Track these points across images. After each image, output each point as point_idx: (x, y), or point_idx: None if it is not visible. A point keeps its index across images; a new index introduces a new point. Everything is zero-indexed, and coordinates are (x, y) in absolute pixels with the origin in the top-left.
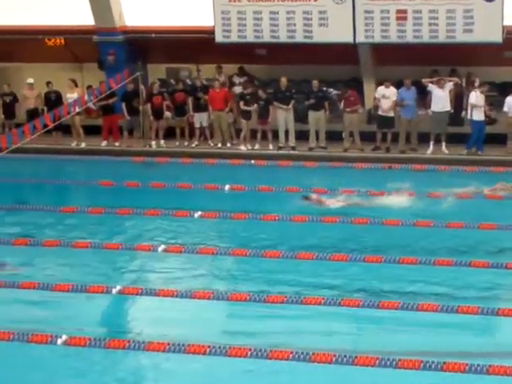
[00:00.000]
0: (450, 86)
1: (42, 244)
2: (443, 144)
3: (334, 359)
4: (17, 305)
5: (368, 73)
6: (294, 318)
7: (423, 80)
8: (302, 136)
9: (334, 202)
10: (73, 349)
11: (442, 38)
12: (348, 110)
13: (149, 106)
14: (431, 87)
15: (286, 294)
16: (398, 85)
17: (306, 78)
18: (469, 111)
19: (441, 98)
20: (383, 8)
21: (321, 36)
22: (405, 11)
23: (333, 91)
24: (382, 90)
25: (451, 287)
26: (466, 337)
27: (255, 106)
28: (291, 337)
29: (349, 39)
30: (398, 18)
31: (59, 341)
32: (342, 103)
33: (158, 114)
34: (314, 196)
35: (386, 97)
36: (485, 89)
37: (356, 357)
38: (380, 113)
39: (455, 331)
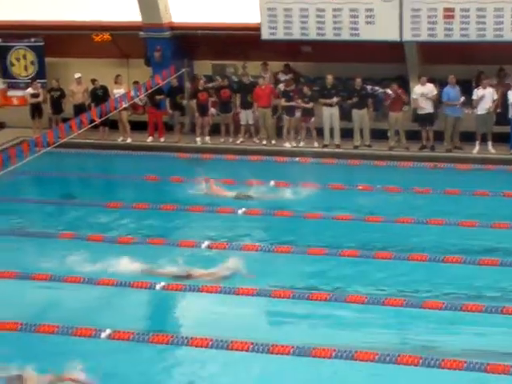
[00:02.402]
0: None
1: (87, 238)
2: (489, 143)
3: (376, 358)
4: (62, 298)
5: (414, 71)
6: (336, 316)
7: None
8: (346, 134)
9: (228, 193)
10: (116, 343)
11: (489, 36)
12: (393, 108)
13: (194, 102)
14: (476, 91)
15: (330, 291)
16: (443, 84)
17: (352, 75)
18: (509, 110)
19: (486, 99)
20: (431, 6)
21: (367, 34)
22: (452, 9)
23: (378, 89)
24: (418, 88)
25: (495, 288)
26: (511, 337)
27: (299, 102)
28: (334, 335)
29: (395, 37)
30: (445, 17)
31: (103, 335)
32: (388, 101)
33: (203, 110)
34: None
35: (424, 94)
36: None
37: (399, 355)
38: (419, 112)
39: (499, 332)
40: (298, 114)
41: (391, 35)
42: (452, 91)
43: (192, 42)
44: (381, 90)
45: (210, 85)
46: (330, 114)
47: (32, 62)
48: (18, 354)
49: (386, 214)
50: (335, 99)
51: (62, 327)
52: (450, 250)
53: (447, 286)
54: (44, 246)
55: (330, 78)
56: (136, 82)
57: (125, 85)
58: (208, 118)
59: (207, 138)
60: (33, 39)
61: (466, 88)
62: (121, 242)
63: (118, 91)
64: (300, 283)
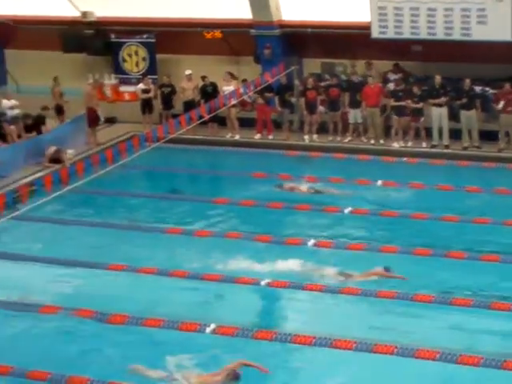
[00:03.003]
0: None
1: (194, 234)
2: None
3: (481, 362)
4: (168, 293)
5: None
6: (441, 318)
7: None
8: (455, 135)
9: (304, 189)
10: (220, 338)
11: None
12: (505, 109)
13: (303, 100)
14: None
15: (435, 293)
16: None
17: (462, 75)
18: None
19: None
20: None
21: (479, 34)
22: None
23: (489, 90)
24: None
25: None
26: None
27: (409, 102)
28: (439, 336)
29: (507, 37)
30: None
31: (208, 329)
32: (501, 103)
33: (311, 108)
34: (286, 185)
35: None
36: None
37: (504, 361)
38: None
39: None
40: (407, 114)
41: (503, 35)
42: None
43: (302, 40)
44: (491, 91)
45: (322, 84)
46: (439, 114)
47: (143, 58)
48: (124, 348)
49: (494, 216)
50: (443, 99)
51: (167, 321)
52: None
53: None
54: (152, 240)
55: (438, 78)
56: (244, 80)
57: (234, 82)
58: (316, 116)
59: (315, 136)
60: (145, 36)
61: None
62: (228, 237)
63: (227, 88)
64: (405, 284)
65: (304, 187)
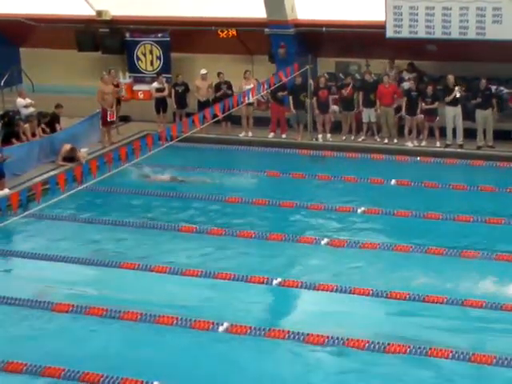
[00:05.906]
0: None
1: (207, 232)
2: None
3: (494, 361)
4: (180, 291)
5: None
6: (453, 318)
7: None
8: (469, 134)
9: (161, 178)
10: (233, 336)
11: None
12: None
13: (315, 99)
14: None
15: (447, 294)
16: None
17: (477, 75)
18: None
19: None
20: None
21: (494, 33)
22: None
23: (503, 89)
24: None
25: None
26: None
27: (423, 105)
28: (450, 336)
29: None
30: None
31: (220, 328)
32: None
33: (323, 107)
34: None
35: None
36: None
37: None
38: None
39: None
40: (419, 114)
41: None
42: None
43: (316, 39)
44: (506, 91)
45: (335, 83)
46: (453, 114)
47: (158, 57)
48: (136, 346)
49: (508, 215)
50: (457, 93)
51: (180, 320)
52: None
53: None
54: (166, 239)
55: (450, 79)
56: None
57: (253, 80)
58: (329, 115)
59: (328, 136)
60: (159, 34)
61: None
62: (240, 236)
63: (247, 87)
64: (416, 285)
65: (166, 176)
